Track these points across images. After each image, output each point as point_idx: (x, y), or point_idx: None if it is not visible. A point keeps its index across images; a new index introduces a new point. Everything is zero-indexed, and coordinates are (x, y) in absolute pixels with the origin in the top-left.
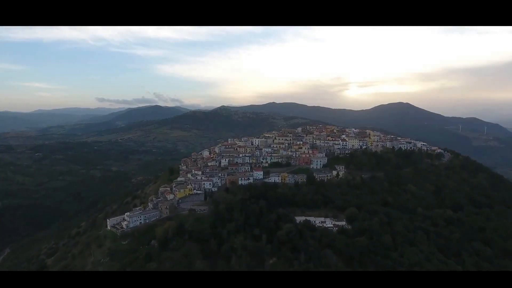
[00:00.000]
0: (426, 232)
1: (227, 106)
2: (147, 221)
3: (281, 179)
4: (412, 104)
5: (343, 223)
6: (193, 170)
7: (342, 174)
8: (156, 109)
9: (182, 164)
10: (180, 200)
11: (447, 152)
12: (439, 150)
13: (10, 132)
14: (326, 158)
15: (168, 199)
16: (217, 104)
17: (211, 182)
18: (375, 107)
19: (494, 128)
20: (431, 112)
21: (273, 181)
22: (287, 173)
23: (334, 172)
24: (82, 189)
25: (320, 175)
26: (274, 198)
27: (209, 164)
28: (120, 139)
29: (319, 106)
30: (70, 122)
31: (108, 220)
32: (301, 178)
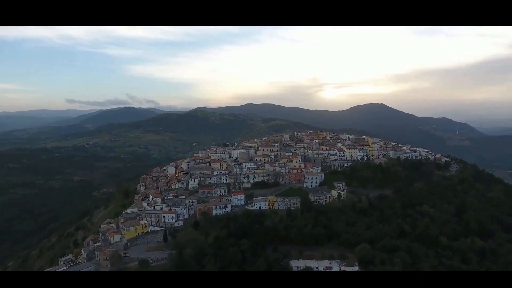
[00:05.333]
0: None
1: (204, 108)
2: None
3: (269, 205)
4: (387, 105)
5: (355, 268)
6: (151, 196)
7: (344, 194)
8: (129, 111)
9: (141, 184)
10: (129, 243)
11: (452, 160)
12: (445, 159)
13: None
14: (323, 174)
15: (112, 242)
16: (194, 106)
17: (174, 215)
18: (352, 107)
19: (464, 127)
20: (405, 113)
21: (259, 207)
22: (276, 195)
23: (334, 193)
24: (37, 204)
25: (318, 197)
26: (261, 235)
27: (173, 187)
28: (86, 144)
29: (296, 107)
30: (37, 125)
31: None
32: (294, 202)
